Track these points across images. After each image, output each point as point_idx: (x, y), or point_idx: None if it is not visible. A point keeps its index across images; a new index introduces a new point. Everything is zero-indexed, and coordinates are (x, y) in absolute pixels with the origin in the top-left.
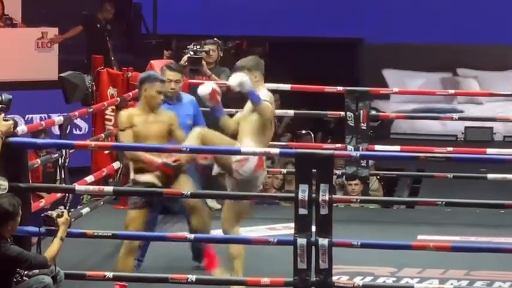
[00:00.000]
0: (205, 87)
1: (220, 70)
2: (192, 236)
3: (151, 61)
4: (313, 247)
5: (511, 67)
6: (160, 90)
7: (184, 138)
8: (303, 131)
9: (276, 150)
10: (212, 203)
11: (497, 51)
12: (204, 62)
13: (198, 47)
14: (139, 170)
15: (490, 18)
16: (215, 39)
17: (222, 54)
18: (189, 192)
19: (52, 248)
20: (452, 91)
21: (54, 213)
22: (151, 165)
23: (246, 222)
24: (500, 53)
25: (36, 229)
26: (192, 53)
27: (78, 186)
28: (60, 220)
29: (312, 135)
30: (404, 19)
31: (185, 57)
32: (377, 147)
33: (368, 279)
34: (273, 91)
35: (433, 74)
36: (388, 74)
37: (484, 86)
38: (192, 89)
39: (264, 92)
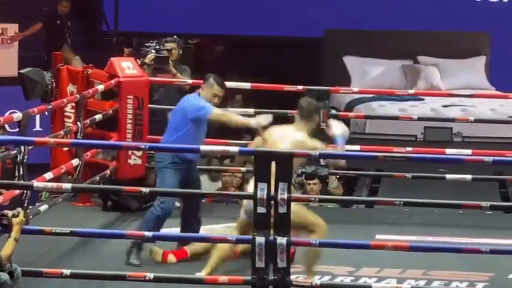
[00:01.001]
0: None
1: (181, 68)
2: (150, 234)
3: (112, 58)
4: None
5: (471, 55)
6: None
7: None
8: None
9: (236, 149)
10: None
11: (458, 39)
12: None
13: (157, 45)
14: None
15: (451, 5)
16: (175, 37)
17: (181, 52)
18: (147, 190)
19: (6, 248)
20: (412, 91)
21: (10, 213)
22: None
23: (205, 220)
24: (461, 41)
25: None
26: (153, 51)
27: (36, 183)
28: (14, 220)
29: None
30: (365, 6)
31: (151, 56)
32: None
33: (326, 278)
34: (234, 90)
35: (394, 62)
36: (349, 61)
37: (445, 74)
38: (153, 86)
39: None
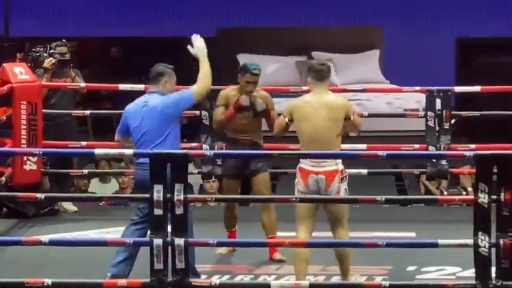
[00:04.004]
0: None
1: (74, 72)
2: (47, 239)
3: (4, 64)
4: (170, 247)
5: (365, 49)
6: (249, 81)
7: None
8: None
9: (130, 151)
10: (69, 206)
11: (351, 33)
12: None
13: (49, 49)
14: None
15: (343, 0)
16: (63, 40)
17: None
18: (43, 196)
19: None
20: (306, 87)
21: None
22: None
23: (103, 224)
24: (354, 35)
25: None
26: (46, 55)
27: None
28: None
29: None
30: (257, 3)
31: (51, 61)
32: None
33: (226, 277)
34: (128, 92)
35: (288, 58)
36: (243, 59)
37: (339, 69)
38: (54, 92)
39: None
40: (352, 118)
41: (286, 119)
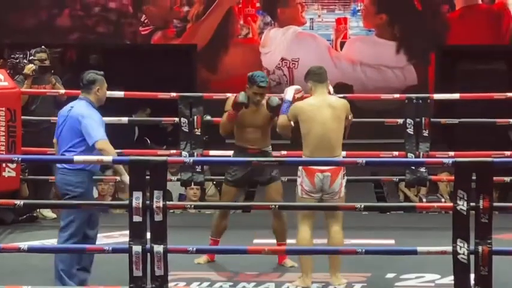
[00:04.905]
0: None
1: (54, 77)
2: (26, 246)
3: None
4: (149, 254)
5: None
6: (257, 92)
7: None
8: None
9: (109, 158)
10: (48, 213)
11: None
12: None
13: (28, 55)
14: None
15: None
16: (43, 47)
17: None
18: (21, 202)
19: None
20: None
21: None
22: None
23: None
24: None
25: None
26: (25, 61)
27: None
28: None
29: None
30: None
31: (32, 67)
32: (212, 152)
33: (205, 284)
34: (107, 99)
35: None
36: None
37: None
38: (35, 98)
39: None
40: (349, 118)
41: (292, 123)
